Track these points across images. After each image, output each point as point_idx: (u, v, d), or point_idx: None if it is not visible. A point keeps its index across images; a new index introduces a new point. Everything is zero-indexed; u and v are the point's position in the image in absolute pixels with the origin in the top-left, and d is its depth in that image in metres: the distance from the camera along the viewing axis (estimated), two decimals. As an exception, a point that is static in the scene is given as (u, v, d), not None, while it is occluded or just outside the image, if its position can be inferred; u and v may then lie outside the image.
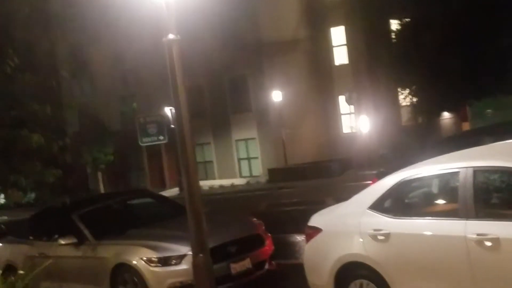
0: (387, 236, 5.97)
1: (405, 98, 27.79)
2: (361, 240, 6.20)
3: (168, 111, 33.01)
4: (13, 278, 7.37)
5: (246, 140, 36.91)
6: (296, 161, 34.31)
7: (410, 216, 6.00)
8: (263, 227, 9.45)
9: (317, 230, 6.76)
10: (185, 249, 8.08)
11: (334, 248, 6.47)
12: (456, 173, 5.64)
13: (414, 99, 26.06)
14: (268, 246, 9.17)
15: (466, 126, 28.86)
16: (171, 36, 6.87)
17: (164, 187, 38.12)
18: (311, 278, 6.89)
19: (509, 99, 23.57)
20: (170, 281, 8.22)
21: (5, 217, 19.21)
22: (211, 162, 38.57)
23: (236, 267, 8.54)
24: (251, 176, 36.54)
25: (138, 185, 39.08)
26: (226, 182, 36.24)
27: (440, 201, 6.12)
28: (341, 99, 33.63)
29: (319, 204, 10.55)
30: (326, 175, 30.11)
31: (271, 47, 34.06)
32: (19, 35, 15.11)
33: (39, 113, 14.80)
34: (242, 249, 8.73)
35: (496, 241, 5.15)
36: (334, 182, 27.00)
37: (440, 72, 21.57)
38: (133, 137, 33.50)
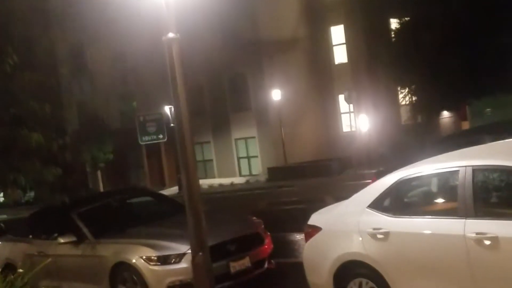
0: (387, 235, 5.97)
1: (404, 97, 27.84)
2: (360, 239, 6.20)
3: (168, 109, 32.92)
4: (12, 276, 7.35)
5: (245, 139, 36.86)
6: (295, 160, 34.29)
7: (410, 215, 6.00)
8: (263, 226, 9.44)
9: (316, 229, 6.75)
10: (184, 248, 8.07)
11: (333, 247, 6.47)
12: (455, 172, 5.64)
13: (414, 98, 26.10)
14: (268, 245, 9.15)
15: (465, 125, 28.81)
16: (170, 35, 6.88)
17: (163, 186, 38.13)
18: (310, 277, 6.89)
19: (508, 98, 23.56)
20: (170, 279, 8.21)
21: (4, 216, 19.22)
22: (210, 161, 38.56)
23: (236, 266, 8.53)
24: (250, 174, 36.50)
25: (137, 184, 39.06)
26: (225, 180, 36.18)
27: (439, 200, 6.12)
28: (341, 98, 33.59)
29: (319, 203, 10.53)
30: (325, 174, 30.07)
31: (270, 46, 34.02)
32: (19, 34, 15.11)
33: (38, 112, 14.80)
34: (241, 247, 8.72)
35: (495, 240, 5.15)
36: (334, 181, 26.98)
37: (440, 71, 21.61)
38: (133, 135, 33.41)
